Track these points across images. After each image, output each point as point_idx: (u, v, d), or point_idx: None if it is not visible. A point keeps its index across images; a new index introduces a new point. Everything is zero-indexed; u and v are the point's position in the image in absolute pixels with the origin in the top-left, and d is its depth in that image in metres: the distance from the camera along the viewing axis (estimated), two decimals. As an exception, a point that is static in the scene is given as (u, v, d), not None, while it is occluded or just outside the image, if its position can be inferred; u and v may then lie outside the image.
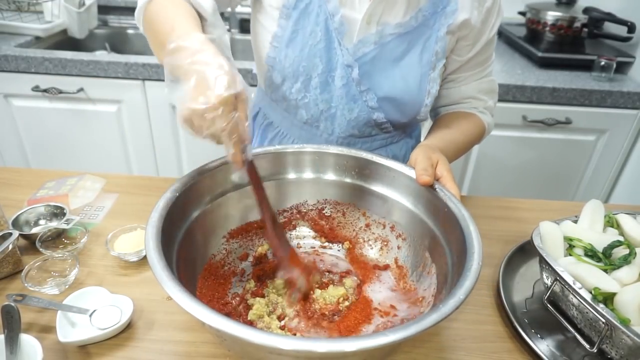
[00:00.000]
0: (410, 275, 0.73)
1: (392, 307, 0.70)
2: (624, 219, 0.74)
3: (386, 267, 0.77)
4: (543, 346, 0.67)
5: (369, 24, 0.83)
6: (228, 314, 0.67)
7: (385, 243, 0.79)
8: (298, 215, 0.83)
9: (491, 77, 0.98)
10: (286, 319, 0.68)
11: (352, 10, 0.83)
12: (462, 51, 0.89)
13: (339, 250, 0.81)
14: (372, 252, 0.80)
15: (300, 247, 0.82)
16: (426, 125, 1.44)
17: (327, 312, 0.68)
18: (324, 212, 0.83)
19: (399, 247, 0.77)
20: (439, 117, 0.99)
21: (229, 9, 0.91)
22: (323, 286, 0.73)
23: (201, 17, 0.74)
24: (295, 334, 0.65)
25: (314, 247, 0.82)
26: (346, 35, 0.84)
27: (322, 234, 0.83)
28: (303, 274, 0.70)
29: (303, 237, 0.83)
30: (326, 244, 0.82)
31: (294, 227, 0.83)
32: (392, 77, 0.85)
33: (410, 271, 0.74)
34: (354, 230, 0.82)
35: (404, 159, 1.00)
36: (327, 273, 0.76)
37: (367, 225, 0.81)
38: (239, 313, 0.68)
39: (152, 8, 0.73)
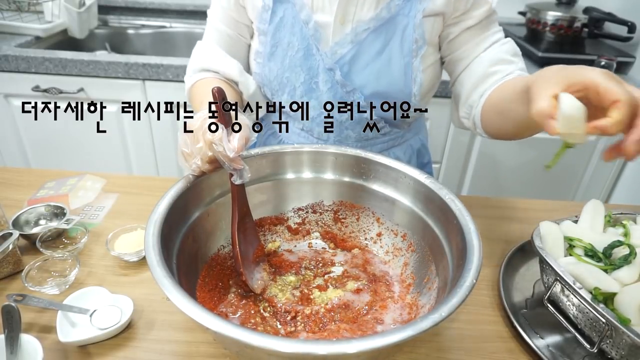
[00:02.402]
0: (414, 289, 0.72)
1: (384, 307, 0.69)
2: (634, 227, 0.73)
3: (391, 279, 0.76)
4: (543, 346, 0.67)
5: (343, 25, 0.83)
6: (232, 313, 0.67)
7: (395, 253, 0.78)
8: (313, 215, 0.83)
9: (509, 39, 0.86)
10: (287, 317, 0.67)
11: (323, 14, 0.83)
12: (459, 21, 0.84)
13: (345, 255, 0.80)
14: (380, 261, 0.79)
15: (311, 246, 0.82)
16: (427, 125, 1.43)
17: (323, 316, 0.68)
18: (338, 214, 0.83)
19: (406, 260, 0.76)
20: (491, 99, 0.81)
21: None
22: (322, 288, 0.73)
23: (234, 82, 0.90)
24: (293, 332, 0.65)
25: (325, 248, 0.82)
26: (323, 40, 0.84)
27: (334, 243, 0.82)
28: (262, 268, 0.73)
29: (315, 238, 0.83)
30: (337, 250, 0.82)
31: (308, 233, 0.83)
32: (376, 72, 0.85)
33: (415, 285, 0.72)
34: (365, 238, 0.81)
35: (410, 163, 1.00)
36: (327, 275, 0.76)
37: (379, 235, 0.80)
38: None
39: (192, 90, 0.91)
